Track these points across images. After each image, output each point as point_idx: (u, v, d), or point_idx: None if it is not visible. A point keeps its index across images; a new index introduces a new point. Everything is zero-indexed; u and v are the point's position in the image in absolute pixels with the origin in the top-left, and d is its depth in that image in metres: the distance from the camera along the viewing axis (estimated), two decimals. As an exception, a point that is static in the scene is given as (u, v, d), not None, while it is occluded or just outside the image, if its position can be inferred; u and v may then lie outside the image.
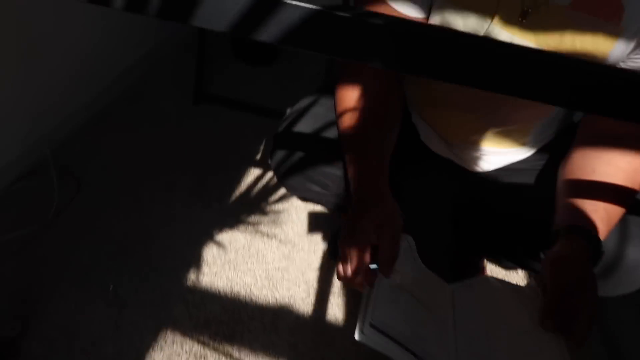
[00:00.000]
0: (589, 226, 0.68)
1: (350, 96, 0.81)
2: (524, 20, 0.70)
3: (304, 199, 1.01)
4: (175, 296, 1.05)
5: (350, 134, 0.80)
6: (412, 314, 0.65)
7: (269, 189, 1.36)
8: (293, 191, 0.98)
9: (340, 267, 0.71)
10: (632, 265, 0.76)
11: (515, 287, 0.76)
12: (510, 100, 0.79)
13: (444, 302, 0.73)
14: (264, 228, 1.24)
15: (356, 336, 0.57)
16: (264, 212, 1.29)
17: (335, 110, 0.85)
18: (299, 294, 1.11)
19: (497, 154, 0.90)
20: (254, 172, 1.40)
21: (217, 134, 1.52)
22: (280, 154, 0.92)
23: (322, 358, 0.99)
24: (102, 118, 1.49)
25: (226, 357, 0.96)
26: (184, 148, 1.44)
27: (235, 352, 0.97)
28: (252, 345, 0.99)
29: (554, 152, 0.88)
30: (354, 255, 0.67)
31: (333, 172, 0.89)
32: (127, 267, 1.09)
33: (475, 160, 0.92)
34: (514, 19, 0.71)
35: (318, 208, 1.33)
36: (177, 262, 1.12)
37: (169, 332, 0.99)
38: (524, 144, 0.88)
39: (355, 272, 0.68)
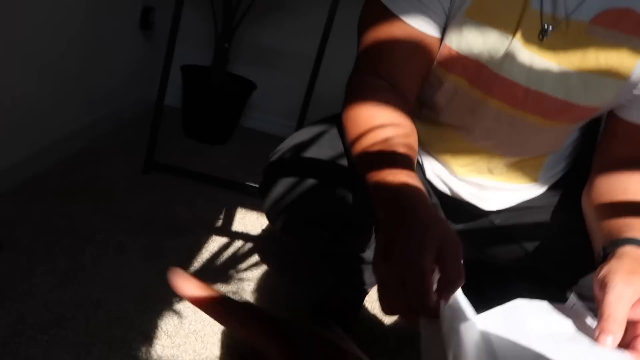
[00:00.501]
0: (639, 235, 0.62)
1: (366, 113, 0.74)
2: (544, 38, 0.70)
3: (310, 241, 0.87)
4: (128, 374, 0.82)
5: (377, 150, 0.70)
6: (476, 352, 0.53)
7: (238, 257, 1.20)
8: (291, 235, 0.84)
9: (385, 298, 0.57)
10: None
11: (558, 306, 0.66)
12: (525, 128, 0.77)
13: (477, 340, 0.61)
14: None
15: None
16: (231, 281, 1.12)
17: (347, 133, 0.77)
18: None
19: (509, 191, 0.86)
20: (216, 240, 1.24)
21: (170, 201, 1.37)
22: (278, 190, 0.81)
23: None
24: (39, 182, 1.28)
25: None
26: (134, 214, 1.27)
27: None
28: None
29: (566, 188, 0.86)
30: (414, 282, 0.53)
31: (346, 203, 0.78)
32: (63, 339, 0.85)
33: (486, 197, 0.86)
34: (534, 37, 0.71)
35: (292, 278, 1.18)
36: (128, 333, 0.90)
37: (120, 418, 0.74)
38: (536, 179, 0.85)
39: (417, 301, 0.53)
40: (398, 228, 0.58)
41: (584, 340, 0.54)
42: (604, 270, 0.57)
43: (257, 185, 1.51)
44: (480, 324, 0.62)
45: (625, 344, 0.53)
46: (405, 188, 0.62)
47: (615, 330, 0.52)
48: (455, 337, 0.53)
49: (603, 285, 0.55)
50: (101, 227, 1.18)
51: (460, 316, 0.59)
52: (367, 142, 0.70)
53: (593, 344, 0.53)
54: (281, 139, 0.87)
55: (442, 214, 0.64)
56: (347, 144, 0.75)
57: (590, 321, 0.57)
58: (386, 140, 0.68)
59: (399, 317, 0.56)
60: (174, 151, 1.70)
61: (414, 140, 0.71)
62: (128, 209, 1.28)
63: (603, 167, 0.76)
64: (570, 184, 0.85)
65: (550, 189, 0.87)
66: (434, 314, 0.54)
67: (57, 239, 1.09)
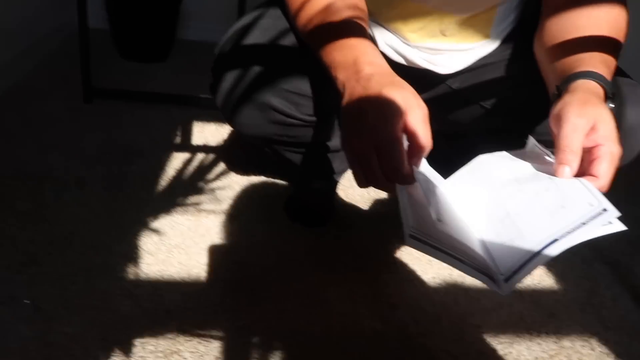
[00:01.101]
0: (590, 68, 0.63)
1: None
2: None
3: (265, 140, 0.85)
4: (118, 295, 0.82)
5: (323, 19, 0.66)
6: (447, 213, 0.55)
7: (204, 169, 1.18)
8: (251, 130, 0.82)
9: (360, 172, 0.57)
10: (631, 126, 0.73)
11: (517, 152, 0.68)
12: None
13: (451, 196, 0.63)
14: (207, 207, 1.06)
15: (406, 243, 0.54)
16: (203, 192, 1.10)
17: (289, 9, 0.72)
18: (270, 262, 0.94)
19: (463, 51, 0.85)
20: (179, 157, 1.21)
21: (120, 127, 1.31)
22: (227, 82, 0.77)
23: (308, 322, 0.83)
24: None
25: (204, 345, 0.76)
26: (86, 145, 1.20)
27: (212, 337, 0.77)
28: (231, 325, 0.80)
29: (517, 40, 0.85)
30: (388, 151, 0.53)
31: (302, 87, 0.76)
32: (44, 275, 0.83)
33: (441, 61, 0.85)
34: None
35: (261, 179, 1.18)
36: (110, 259, 0.89)
37: (121, 335, 0.76)
38: (487, 35, 0.84)
39: (393, 171, 0.54)
40: (363, 99, 0.56)
41: (544, 176, 0.56)
42: (557, 106, 0.58)
43: (209, 97, 1.46)
44: (450, 184, 0.64)
45: (582, 171, 0.55)
46: (362, 53, 0.60)
47: (571, 160, 0.54)
48: (433, 197, 0.54)
49: (557, 119, 0.57)
50: (54, 164, 1.12)
51: (432, 180, 0.60)
52: (311, 11, 0.67)
53: (553, 178, 0.55)
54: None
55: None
56: (291, 19, 0.71)
57: (549, 159, 0.59)
58: (330, 5, 0.65)
59: (372, 187, 0.57)
60: (113, 75, 1.59)
61: (361, 1, 0.68)
62: (78, 141, 1.22)
63: (552, 9, 0.75)
64: (521, 36, 0.85)
65: (502, 43, 0.86)
66: (409, 179, 0.55)
67: (10, 181, 1.04)
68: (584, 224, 0.48)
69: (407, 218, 0.55)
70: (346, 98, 0.59)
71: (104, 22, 1.75)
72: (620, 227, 0.48)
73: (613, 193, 0.53)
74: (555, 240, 0.48)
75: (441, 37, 0.82)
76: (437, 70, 0.86)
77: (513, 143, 0.87)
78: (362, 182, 0.58)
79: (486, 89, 0.86)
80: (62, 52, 1.68)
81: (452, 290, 0.94)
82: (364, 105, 0.56)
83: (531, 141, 0.65)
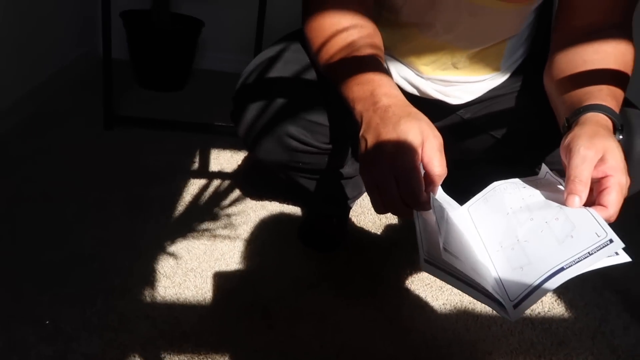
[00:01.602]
0: (599, 101, 0.65)
1: (329, 21, 0.73)
2: None
3: (282, 167, 0.88)
4: (136, 317, 0.84)
5: (344, 55, 0.70)
6: (457, 243, 0.57)
7: (220, 194, 1.21)
8: (270, 157, 0.85)
9: (378, 199, 0.59)
10: (639, 157, 0.74)
11: (530, 179, 0.70)
12: (485, 14, 0.77)
13: (465, 224, 0.65)
14: (222, 232, 1.08)
15: (421, 268, 0.54)
16: (218, 217, 1.13)
17: (310, 45, 0.76)
18: (284, 286, 0.96)
19: (474, 83, 0.88)
20: (196, 183, 1.25)
21: (140, 153, 1.35)
22: (250, 112, 0.81)
23: (321, 346, 0.84)
24: (-6, 152, 1.24)
25: (220, 367, 0.77)
26: (106, 170, 1.25)
27: (227, 359, 0.79)
28: (245, 348, 0.81)
29: (527, 73, 0.88)
30: (408, 180, 0.55)
31: (319, 117, 0.79)
32: (65, 296, 0.86)
33: (453, 92, 0.89)
34: None
35: (275, 204, 1.21)
36: (128, 281, 0.91)
37: (139, 356, 0.77)
38: (498, 68, 0.87)
39: (412, 198, 0.56)
40: (381, 129, 0.59)
41: (554, 205, 0.58)
42: (567, 138, 0.61)
43: (224, 124, 1.51)
44: (465, 210, 0.66)
45: (592, 201, 0.57)
46: (379, 86, 0.63)
47: (580, 190, 0.56)
48: (443, 225, 0.56)
49: (568, 151, 0.59)
50: (75, 187, 1.16)
51: (447, 207, 0.63)
52: (333, 48, 0.70)
53: (563, 207, 0.57)
54: (239, 76, 0.86)
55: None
56: (313, 55, 0.75)
57: (561, 187, 0.61)
58: (351, 43, 0.69)
59: (390, 214, 0.60)
60: (132, 103, 1.65)
61: (378, 39, 0.71)
62: (98, 166, 1.26)
63: (561, 43, 0.78)
64: (530, 68, 0.88)
65: (512, 76, 0.89)
66: (427, 206, 0.57)
67: (33, 204, 1.07)
68: (590, 253, 0.49)
69: (422, 243, 0.57)
70: (364, 127, 0.62)
71: (124, 53, 1.82)
72: (626, 258, 0.49)
73: (622, 222, 0.55)
74: (562, 269, 0.50)
75: (453, 69, 0.85)
76: (449, 101, 0.89)
77: (523, 172, 0.90)
78: (381, 208, 0.60)
79: (497, 119, 0.89)
80: (84, 80, 1.75)
81: (463, 316, 0.95)
82: (382, 135, 0.58)
83: (544, 169, 0.67)
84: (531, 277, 0.51)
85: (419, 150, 0.57)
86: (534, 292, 0.50)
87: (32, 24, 1.44)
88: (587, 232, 0.52)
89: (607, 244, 0.49)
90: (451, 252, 0.53)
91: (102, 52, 1.37)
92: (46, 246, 0.96)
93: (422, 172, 0.58)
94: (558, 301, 1.02)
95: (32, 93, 1.46)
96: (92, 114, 1.49)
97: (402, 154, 0.56)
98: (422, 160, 0.57)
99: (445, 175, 0.59)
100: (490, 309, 0.53)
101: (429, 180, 0.58)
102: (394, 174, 0.56)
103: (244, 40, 1.87)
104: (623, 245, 0.49)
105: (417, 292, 1.00)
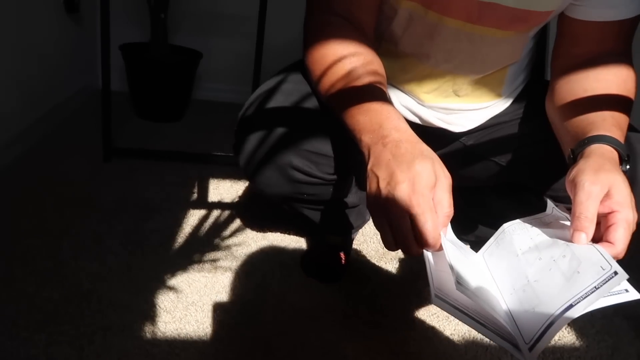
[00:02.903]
0: (603, 132, 0.65)
1: (329, 51, 0.72)
2: None
3: (285, 199, 0.87)
4: (136, 354, 0.81)
5: (345, 84, 0.69)
6: (469, 279, 0.57)
7: (220, 225, 1.19)
8: (272, 189, 0.83)
9: (390, 236, 0.58)
10: None
11: (537, 216, 0.70)
12: (484, 43, 0.78)
13: (480, 270, 0.65)
14: (223, 263, 1.06)
15: (432, 302, 0.54)
16: (219, 248, 1.11)
17: (311, 75, 0.76)
18: (286, 319, 0.93)
19: (476, 110, 0.88)
20: (195, 213, 1.23)
21: (137, 184, 1.34)
22: (251, 143, 0.80)
23: (338, 380, 0.82)
24: (-9, 187, 1.22)
25: (223, 407, 0.74)
26: (104, 202, 1.23)
27: (232, 399, 0.76)
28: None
29: (529, 99, 0.88)
30: (423, 222, 0.54)
31: (323, 147, 0.78)
32: (62, 334, 0.83)
33: (455, 120, 0.88)
34: None
35: (276, 235, 1.19)
36: (127, 317, 0.89)
37: (138, 396, 0.75)
38: (500, 94, 0.87)
39: (426, 238, 0.55)
40: (394, 167, 0.57)
41: (561, 243, 0.58)
42: (572, 172, 0.60)
43: (223, 154, 1.50)
44: (481, 256, 0.66)
45: (599, 236, 0.57)
46: (387, 118, 0.63)
47: (586, 227, 0.55)
48: (456, 262, 0.56)
49: (573, 186, 0.58)
50: (73, 221, 1.14)
51: (460, 250, 0.62)
52: (334, 77, 0.70)
53: (569, 244, 0.56)
54: (239, 106, 0.85)
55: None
56: (314, 85, 0.75)
57: (567, 223, 0.61)
58: (352, 71, 0.68)
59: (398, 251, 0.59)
60: (131, 135, 1.65)
61: (379, 66, 0.71)
62: (96, 198, 1.24)
63: (561, 71, 0.78)
64: (532, 94, 0.88)
65: (514, 102, 0.89)
66: (440, 247, 0.56)
67: (29, 240, 1.05)
68: (596, 288, 0.49)
69: (433, 280, 0.56)
70: (372, 161, 0.61)
71: (123, 85, 1.83)
72: (635, 295, 0.49)
73: (632, 257, 0.54)
74: (571, 306, 0.49)
75: (455, 97, 0.85)
76: (452, 129, 0.89)
77: (530, 200, 0.89)
78: (392, 246, 0.59)
79: (500, 146, 0.88)
80: (83, 113, 1.75)
81: (472, 347, 0.92)
82: (396, 175, 0.57)
83: (550, 204, 0.67)
84: (542, 318, 0.51)
85: (433, 190, 0.56)
86: (546, 331, 0.50)
87: (33, 59, 1.45)
88: (593, 266, 0.51)
89: (612, 277, 0.49)
90: (465, 286, 0.52)
91: (101, 84, 1.37)
92: (42, 283, 0.94)
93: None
94: (568, 330, 1.00)
95: (32, 127, 1.45)
96: (91, 146, 1.49)
97: (418, 197, 0.55)
98: (432, 200, 0.57)
99: (452, 214, 0.58)
100: None
101: (440, 220, 0.57)
102: (408, 214, 0.55)
103: (242, 71, 1.89)
104: (627, 277, 0.48)
105: (423, 322, 0.97)
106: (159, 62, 1.76)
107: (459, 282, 0.51)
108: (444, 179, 0.57)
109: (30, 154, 1.41)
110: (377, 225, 0.59)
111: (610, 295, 0.49)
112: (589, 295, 0.49)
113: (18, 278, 0.94)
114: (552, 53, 0.82)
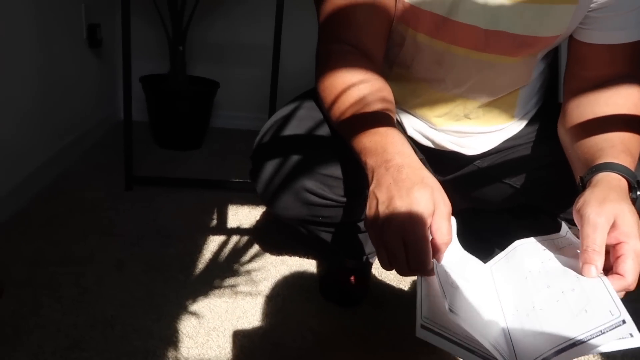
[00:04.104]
0: (611, 159, 0.64)
1: (340, 79, 0.74)
2: None
3: (301, 222, 0.88)
4: (159, 380, 0.83)
5: (355, 111, 0.71)
6: (463, 304, 0.57)
7: (239, 250, 1.21)
8: (288, 212, 0.85)
9: (385, 258, 0.59)
10: None
11: (550, 237, 0.69)
12: (493, 69, 0.79)
13: (485, 282, 0.65)
14: (244, 288, 1.07)
15: (417, 333, 0.53)
16: (239, 274, 1.12)
17: (323, 103, 0.78)
18: (307, 344, 0.93)
19: (489, 133, 0.89)
20: (215, 239, 1.25)
21: (159, 212, 1.36)
22: (267, 170, 0.82)
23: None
24: (21, 218, 1.26)
25: None
26: (126, 230, 1.26)
27: None
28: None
29: (542, 121, 0.89)
30: (416, 249, 0.56)
31: (335, 171, 0.80)
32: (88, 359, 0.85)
33: (468, 143, 0.89)
34: None
35: (295, 259, 1.20)
36: (150, 342, 0.90)
37: (161, 422, 0.75)
38: (512, 116, 0.88)
39: (419, 265, 0.57)
40: (393, 192, 0.59)
41: (572, 274, 0.58)
42: (579, 203, 0.60)
43: (241, 181, 1.53)
44: (489, 268, 0.67)
45: (609, 266, 0.56)
46: (392, 143, 0.64)
47: (595, 260, 0.55)
48: (449, 288, 0.56)
49: (579, 217, 0.59)
50: (96, 248, 1.17)
51: (466, 264, 0.63)
52: (344, 105, 0.72)
53: (579, 277, 0.56)
54: (256, 133, 0.88)
55: (429, 169, 0.66)
56: (326, 112, 0.77)
57: (579, 251, 0.60)
58: (362, 99, 0.70)
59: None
60: (152, 164, 1.69)
61: (388, 93, 0.73)
62: (119, 226, 1.27)
63: (572, 94, 0.78)
64: (546, 116, 0.89)
65: (528, 124, 0.90)
66: (431, 273, 0.57)
67: (55, 268, 1.08)
68: (602, 332, 0.49)
69: (421, 308, 0.56)
70: (374, 183, 0.62)
71: (144, 115, 1.88)
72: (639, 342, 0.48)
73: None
74: (574, 344, 0.49)
75: (466, 120, 0.87)
76: (465, 152, 0.90)
77: (544, 221, 0.89)
78: (387, 266, 0.60)
79: (515, 168, 0.89)
80: (105, 143, 1.80)
81: (494, 371, 0.91)
82: (395, 199, 0.58)
83: (564, 227, 0.67)
84: (543, 347, 0.51)
85: (429, 220, 0.57)
86: None
87: (58, 92, 1.50)
88: (602, 309, 0.51)
89: (620, 325, 0.48)
90: (456, 313, 0.52)
91: (122, 115, 1.42)
92: (68, 309, 0.96)
93: (430, 237, 0.59)
94: None
95: (55, 158, 1.50)
96: (113, 175, 1.53)
97: (413, 224, 0.56)
98: (430, 227, 0.58)
99: (450, 242, 0.59)
100: None
101: (435, 247, 0.58)
102: (403, 240, 0.57)
103: (258, 99, 1.93)
104: (635, 329, 0.48)
105: (444, 346, 0.97)
106: (178, 92, 1.81)
107: (451, 309, 0.52)
108: (443, 207, 0.58)
109: (55, 184, 1.45)
110: (374, 245, 0.60)
111: (615, 340, 0.48)
112: (594, 337, 0.48)
113: (44, 305, 0.97)
114: (564, 76, 0.83)
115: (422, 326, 0.53)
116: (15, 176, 1.29)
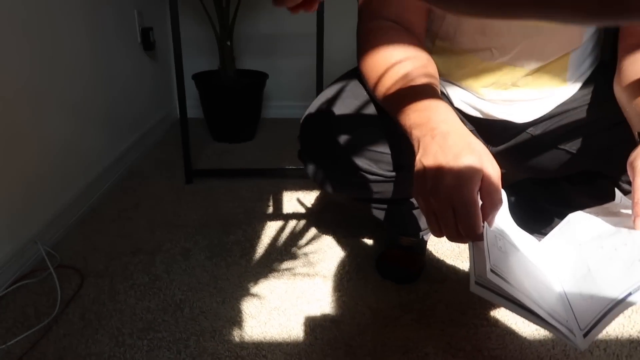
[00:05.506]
0: None
1: (383, 56, 0.75)
2: None
3: (353, 199, 0.90)
4: (227, 357, 0.87)
5: (400, 87, 0.72)
6: (510, 268, 0.57)
7: (296, 235, 1.25)
8: (340, 189, 0.87)
9: (435, 225, 0.60)
10: None
11: (605, 206, 0.68)
12: (539, 33, 0.77)
13: (538, 253, 0.65)
14: (301, 270, 1.11)
15: (470, 288, 0.54)
16: (297, 256, 1.16)
17: (367, 80, 0.79)
18: (365, 320, 0.95)
19: (539, 99, 0.86)
20: (272, 225, 1.29)
21: (218, 202, 1.43)
22: (317, 149, 0.85)
23: (421, 377, 0.82)
24: (94, 214, 1.36)
25: (310, 404, 0.78)
26: (189, 220, 1.33)
27: (318, 396, 0.79)
28: (335, 384, 0.81)
29: (599, 82, 0.85)
30: (465, 213, 0.56)
31: (381, 146, 0.81)
32: (161, 340, 0.91)
33: (518, 110, 0.87)
34: None
35: (349, 240, 1.22)
36: (217, 323, 0.95)
37: (231, 395, 0.80)
38: (564, 80, 0.85)
39: (468, 230, 0.57)
40: (440, 158, 0.59)
41: (623, 231, 0.57)
42: (632, 156, 0.58)
43: (294, 167, 1.56)
44: (543, 244, 0.66)
45: None
46: (436, 112, 0.64)
47: None
48: (495, 251, 0.56)
49: (631, 170, 0.57)
50: (163, 239, 1.24)
51: (517, 238, 0.62)
52: (389, 82, 0.72)
53: (631, 232, 0.55)
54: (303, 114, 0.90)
55: (479, 139, 0.66)
56: (370, 90, 0.78)
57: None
58: (406, 75, 0.71)
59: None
60: (209, 157, 1.76)
61: (432, 68, 0.73)
62: (182, 217, 1.35)
63: (627, 51, 0.75)
64: (602, 77, 0.85)
65: (582, 88, 0.87)
66: (480, 238, 0.57)
67: (127, 258, 1.16)
68: None
69: (475, 268, 0.57)
70: (420, 152, 0.62)
71: (198, 111, 1.96)
72: None
73: None
74: (629, 294, 0.49)
75: (514, 87, 0.85)
76: (516, 120, 0.88)
77: (604, 187, 0.86)
78: (438, 233, 0.61)
79: (570, 134, 0.86)
80: (164, 141, 1.89)
81: (560, 342, 0.90)
82: (441, 166, 0.58)
83: (618, 194, 0.66)
84: (600, 305, 0.51)
85: (478, 184, 0.57)
86: (602, 319, 0.50)
87: (120, 96, 1.60)
88: None
89: None
90: (499, 274, 0.52)
91: (178, 113, 1.49)
92: (141, 295, 1.03)
93: (480, 202, 0.59)
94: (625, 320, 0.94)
95: (120, 159, 1.60)
96: (173, 170, 1.61)
97: (461, 188, 0.56)
98: (479, 192, 0.58)
99: (501, 206, 0.59)
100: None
101: (485, 211, 0.58)
102: (452, 205, 0.57)
103: (305, 87, 1.96)
104: None
105: (505, 318, 0.96)
106: (229, 87, 1.87)
107: (493, 270, 0.52)
108: (492, 171, 0.57)
109: (121, 181, 1.55)
110: (424, 213, 0.61)
111: None
112: None
113: (120, 292, 1.04)
114: (619, 33, 0.79)
115: (477, 282, 0.54)
116: (87, 176, 1.39)
